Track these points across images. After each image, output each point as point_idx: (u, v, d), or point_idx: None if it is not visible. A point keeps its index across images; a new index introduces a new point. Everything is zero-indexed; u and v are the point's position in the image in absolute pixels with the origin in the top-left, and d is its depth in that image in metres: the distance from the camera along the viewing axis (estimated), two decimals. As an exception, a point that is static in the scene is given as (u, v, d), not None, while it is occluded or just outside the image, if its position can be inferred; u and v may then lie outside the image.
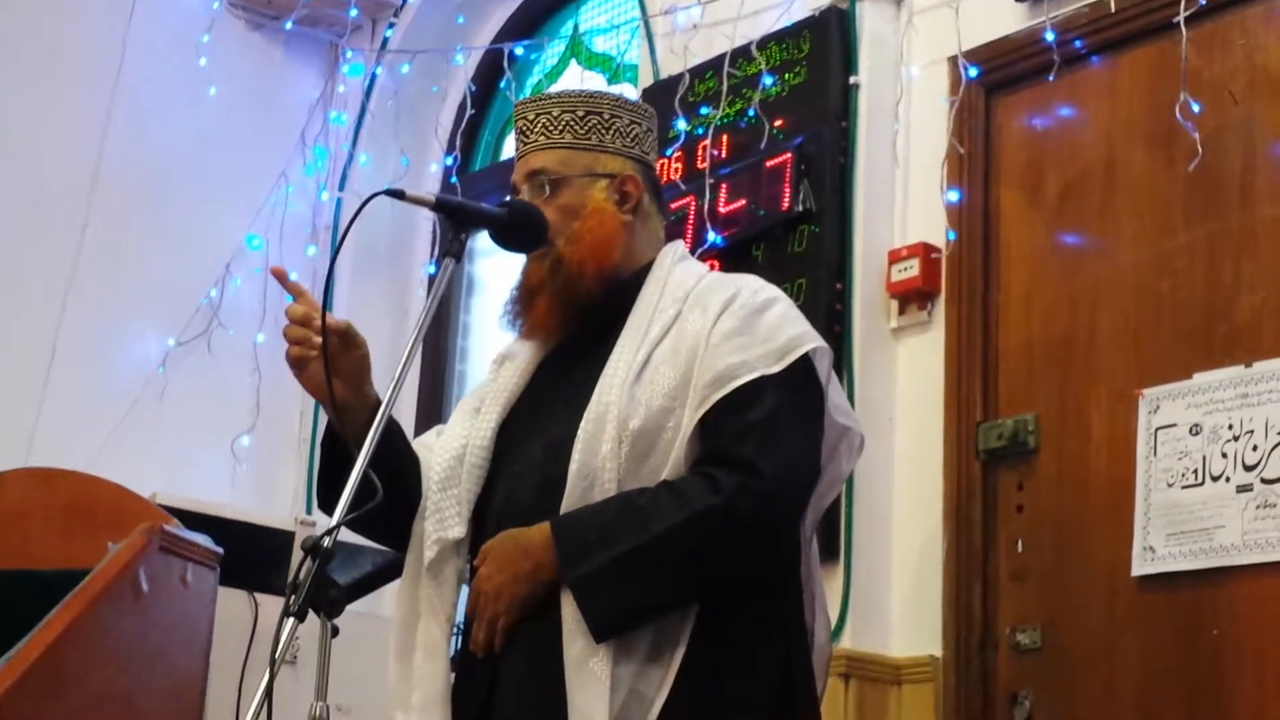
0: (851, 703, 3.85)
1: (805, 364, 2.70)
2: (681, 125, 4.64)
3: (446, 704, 2.69)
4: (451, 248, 2.67)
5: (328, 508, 2.59)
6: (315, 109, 6.08)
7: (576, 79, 5.71)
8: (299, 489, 5.65)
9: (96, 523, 3.41)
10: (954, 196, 4.12)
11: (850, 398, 3.91)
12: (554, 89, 5.38)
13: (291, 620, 2.24)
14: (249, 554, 3.74)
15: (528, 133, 2.88)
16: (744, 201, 4.40)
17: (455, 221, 2.70)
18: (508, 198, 2.85)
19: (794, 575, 2.73)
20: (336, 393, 2.65)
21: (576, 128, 2.85)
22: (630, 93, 5.03)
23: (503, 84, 5.80)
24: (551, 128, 2.85)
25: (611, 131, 2.87)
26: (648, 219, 2.91)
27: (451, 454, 2.80)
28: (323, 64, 6.19)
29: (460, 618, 2.78)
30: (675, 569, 2.57)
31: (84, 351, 5.41)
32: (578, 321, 2.82)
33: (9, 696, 2.86)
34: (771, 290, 2.79)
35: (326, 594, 2.28)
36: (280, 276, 2.76)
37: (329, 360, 2.65)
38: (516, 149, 2.92)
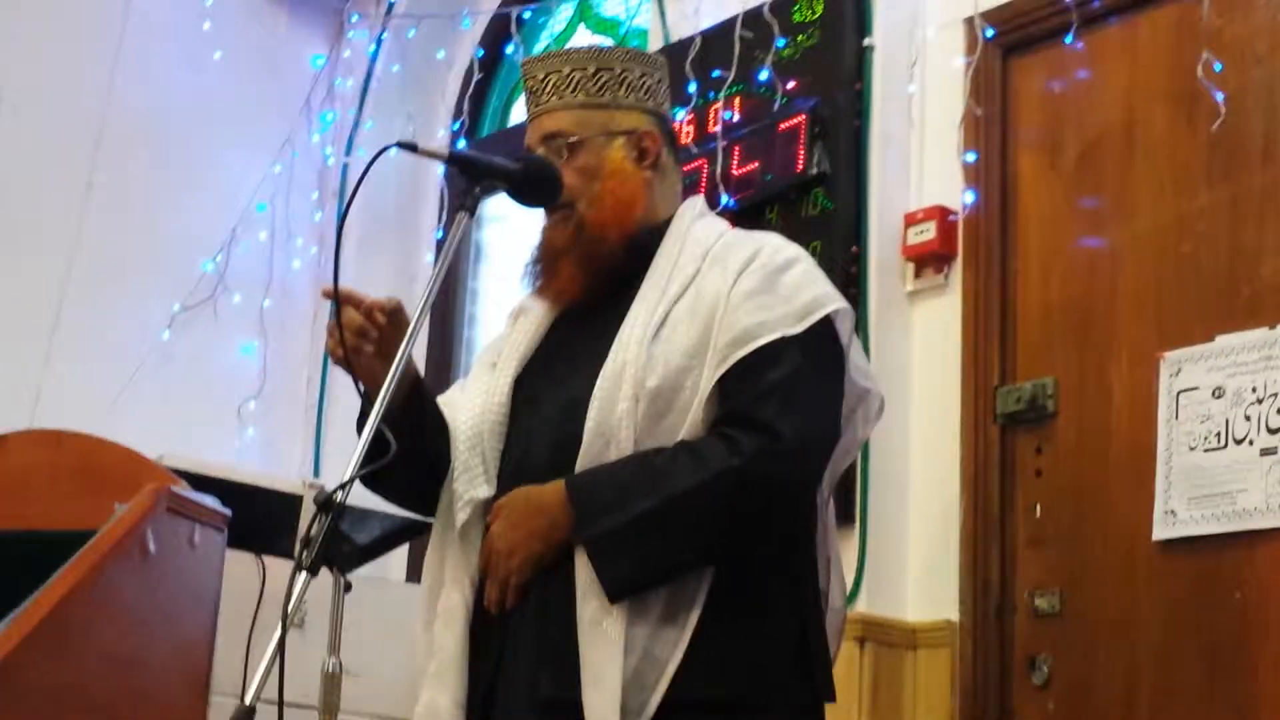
0: (867, 667, 3.81)
1: (826, 325, 2.65)
2: (693, 88, 4.59)
3: (461, 671, 2.63)
4: (465, 202, 2.60)
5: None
6: (321, 74, 6.03)
7: (585, 43, 5.64)
8: (306, 453, 5.61)
9: (103, 484, 3.32)
10: (971, 158, 4.07)
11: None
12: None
13: (304, 574, 2.18)
14: (256, 517, 3.67)
15: (539, 93, 2.81)
16: (757, 164, 4.35)
17: (469, 175, 2.64)
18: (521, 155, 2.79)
19: (810, 538, 2.68)
20: (380, 375, 2.51)
21: (589, 85, 2.79)
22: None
23: (509, 49, 5.76)
24: (563, 87, 2.79)
25: (624, 86, 2.81)
26: (666, 173, 2.86)
27: (476, 410, 2.75)
28: (328, 28, 6.14)
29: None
30: (692, 531, 2.52)
31: (89, 314, 5.36)
32: (599, 280, 2.76)
33: (15, 655, 2.81)
34: (793, 249, 2.74)
35: (340, 548, 2.22)
36: (330, 295, 2.65)
37: (381, 348, 2.68)
38: (528, 110, 2.86)
